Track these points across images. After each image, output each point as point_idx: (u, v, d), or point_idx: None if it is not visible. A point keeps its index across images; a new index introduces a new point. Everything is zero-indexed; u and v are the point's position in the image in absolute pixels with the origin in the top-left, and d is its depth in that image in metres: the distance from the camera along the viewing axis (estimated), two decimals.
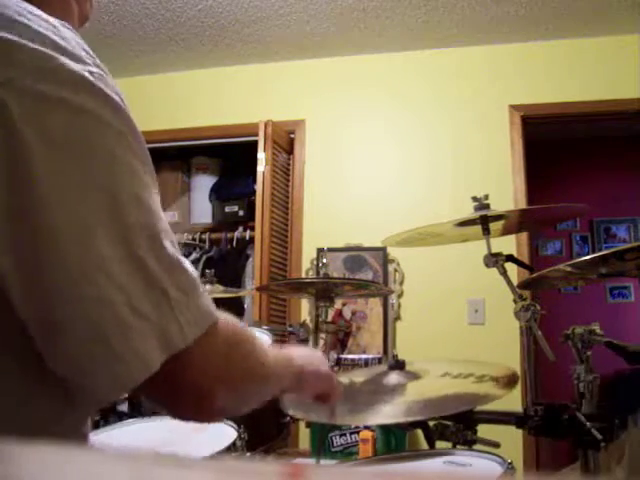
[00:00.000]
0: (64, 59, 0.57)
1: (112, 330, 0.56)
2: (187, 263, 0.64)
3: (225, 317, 0.69)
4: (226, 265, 4.08)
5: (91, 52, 0.61)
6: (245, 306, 4.02)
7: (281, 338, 2.63)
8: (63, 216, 0.55)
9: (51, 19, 0.60)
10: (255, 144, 3.63)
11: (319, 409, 1.15)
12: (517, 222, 2.00)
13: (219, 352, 0.67)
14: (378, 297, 3.53)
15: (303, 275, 3.74)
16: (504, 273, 1.62)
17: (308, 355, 0.97)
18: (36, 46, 0.56)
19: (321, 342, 2.19)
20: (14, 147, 0.54)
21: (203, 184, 4.40)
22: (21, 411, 0.61)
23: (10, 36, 0.55)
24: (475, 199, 1.70)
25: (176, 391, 0.65)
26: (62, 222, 0.55)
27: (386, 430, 2.70)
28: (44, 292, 0.55)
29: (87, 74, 0.58)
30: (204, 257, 4.16)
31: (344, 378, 1.52)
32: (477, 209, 1.68)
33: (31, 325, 0.56)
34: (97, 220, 0.56)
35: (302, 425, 3.11)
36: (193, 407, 0.68)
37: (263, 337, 1.84)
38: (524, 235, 3.46)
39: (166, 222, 0.63)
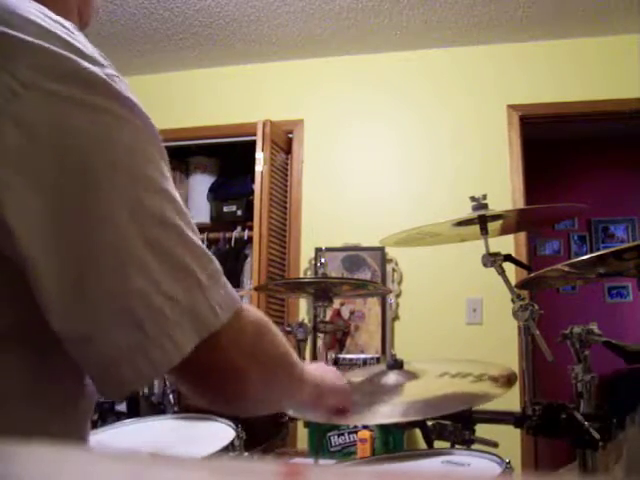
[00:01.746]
0: (82, 61, 0.58)
1: (146, 317, 0.58)
2: (210, 252, 0.67)
3: (252, 308, 0.73)
4: (224, 265, 3.99)
5: (102, 54, 0.63)
6: None
7: None
8: (95, 211, 0.57)
9: (65, 22, 0.61)
10: (253, 144, 3.63)
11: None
12: (515, 222, 2.00)
13: (249, 334, 0.71)
14: (376, 297, 3.53)
15: (301, 275, 3.74)
16: (502, 273, 1.62)
17: (323, 370, 1.00)
18: (56, 48, 0.57)
19: (320, 342, 2.19)
20: (39, 149, 0.55)
21: (201, 184, 4.39)
22: (22, 411, 0.61)
23: (28, 37, 0.56)
24: (473, 199, 1.70)
25: (211, 373, 0.68)
26: (94, 217, 0.57)
27: (384, 430, 2.70)
28: (77, 284, 0.57)
29: (105, 77, 0.59)
30: None
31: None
32: (475, 209, 1.68)
33: (62, 320, 0.57)
34: (127, 214, 0.58)
35: (300, 425, 3.11)
36: (228, 389, 0.71)
37: None
38: (522, 235, 3.46)
39: (188, 214, 0.66)
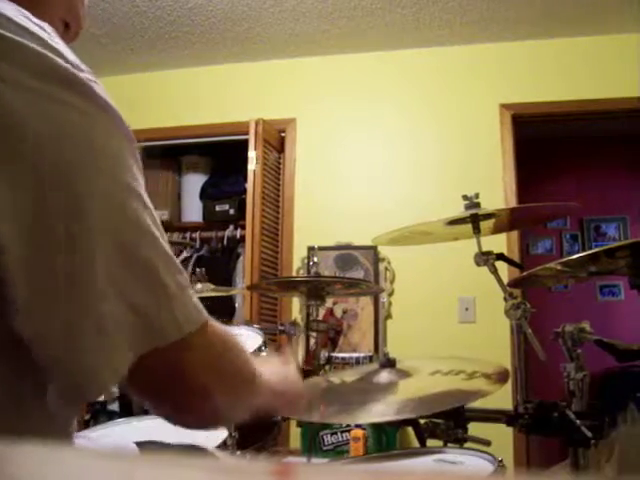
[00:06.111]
0: (61, 61, 0.58)
1: (108, 322, 0.58)
2: (178, 262, 0.67)
3: (217, 322, 0.72)
4: (217, 264, 4.08)
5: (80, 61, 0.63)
6: (236, 305, 4.02)
7: (272, 337, 2.63)
8: (73, 214, 0.56)
9: (45, 25, 0.61)
10: (246, 143, 3.63)
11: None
12: (507, 220, 2.00)
13: (214, 347, 0.71)
14: (369, 296, 3.53)
15: (294, 274, 3.74)
16: (495, 271, 1.63)
17: (278, 374, 0.96)
18: (35, 46, 0.57)
19: (312, 341, 2.19)
20: (17, 145, 0.54)
21: (193, 183, 4.39)
22: (12, 412, 0.61)
23: (8, 34, 0.56)
24: (465, 198, 1.70)
25: (178, 385, 0.67)
26: (73, 218, 0.56)
27: (377, 428, 2.71)
28: (48, 285, 0.56)
29: (84, 79, 0.60)
30: (195, 256, 4.15)
31: (335, 377, 1.52)
32: (467, 207, 1.68)
33: (25, 321, 0.56)
34: (106, 218, 0.58)
35: (293, 424, 3.11)
36: (193, 402, 0.70)
37: (256, 337, 1.84)
38: (514, 233, 3.47)
39: (158, 219, 0.65)
